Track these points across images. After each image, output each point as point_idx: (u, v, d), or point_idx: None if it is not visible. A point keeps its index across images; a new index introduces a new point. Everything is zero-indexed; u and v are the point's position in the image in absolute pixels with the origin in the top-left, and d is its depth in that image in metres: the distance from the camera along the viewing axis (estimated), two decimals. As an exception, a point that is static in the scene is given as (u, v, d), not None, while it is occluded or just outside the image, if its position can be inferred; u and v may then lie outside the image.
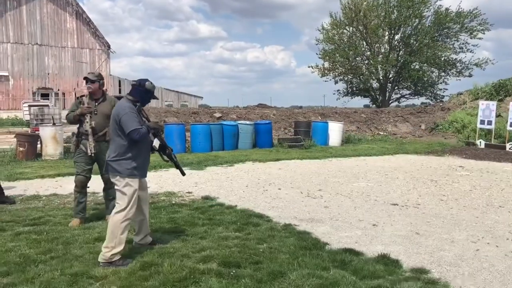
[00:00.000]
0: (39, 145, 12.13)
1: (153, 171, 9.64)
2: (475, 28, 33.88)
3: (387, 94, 37.97)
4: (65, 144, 12.53)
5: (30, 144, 11.83)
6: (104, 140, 5.30)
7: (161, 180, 8.73)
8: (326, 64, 37.70)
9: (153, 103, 32.66)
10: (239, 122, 15.61)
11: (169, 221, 5.52)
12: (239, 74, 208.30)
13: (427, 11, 34.58)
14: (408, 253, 4.48)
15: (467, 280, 3.81)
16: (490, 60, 35.34)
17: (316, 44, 39.57)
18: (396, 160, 12.44)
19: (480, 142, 15.69)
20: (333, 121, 17.32)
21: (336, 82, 38.97)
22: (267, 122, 16.06)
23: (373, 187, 8.18)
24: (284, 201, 6.92)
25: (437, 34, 34.65)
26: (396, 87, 38.42)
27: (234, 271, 3.84)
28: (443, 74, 36.61)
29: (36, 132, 12.87)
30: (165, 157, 4.53)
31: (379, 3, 34.95)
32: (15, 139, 12.12)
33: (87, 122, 5.33)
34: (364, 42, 36.96)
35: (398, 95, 39.32)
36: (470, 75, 35.73)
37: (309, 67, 40.12)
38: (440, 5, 35.29)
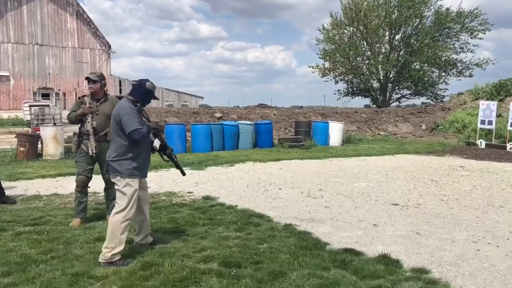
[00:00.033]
0: (39, 145, 12.14)
1: (154, 171, 9.64)
2: (475, 28, 33.88)
3: (388, 94, 37.97)
4: (65, 144, 12.54)
5: (31, 144, 11.84)
6: (105, 140, 5.31)
7: (162, 180, 8.74)
8: (327, 64, 37.75)
9: (153, 103, 32.67)
10: (239, 122, 15.62)
11: (170, 221, 5.52)
12: (239, 74, 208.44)
13: (427, 11, 34.64)
14: (408, 253, 4.48)
15: (468, 280, 3.81)
16: (490, 60, 35.29)
17: (317, 44, 39.65)
18: (397, 160, 12.44)
19: (481, 142, 15.68)
20: (334, 121, 17.32)
21: (336, 82, 39.04)
22: (268, 122, 16.06)
23: (373, 187, 8.18)
24: (284, 201, 6.92)
25: (437, 34, 34.64)
26: (396, 87, 38.42)
27: (234, 271, 3.84)
28: (443, 74, 36.63)
29: (37, 132, 12.89)
30: (166, 157, 4.53)
31: (380, 3, 34.95)
32: (16, 139, 12.13)
33: (89, 122, 5.34)
34: (365, 42, 36.97)
35: (399, 95, 39.39)
36: (470, 75, 35.77)
37: (309, 67, 40.18)
38: (441, 5, 35.35)
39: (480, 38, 34.36)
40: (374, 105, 37.80)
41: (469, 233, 5.26)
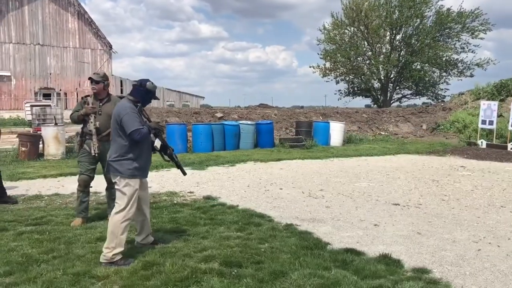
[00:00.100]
0: (41, 145, 12.16)
1: (155, 171, 9.66)
2: (476, 28, 33.85)
3: (389, 94, 37.96)
4: (67, 144, 12.57)
5: (32, 144, 11.86)
6: (107, 140, 5.32)
7: (163, 180, 8.75)
8: (328, 64, 37.77)
9: (154, 103, 32.68)
10: (240, 122, 15.63)
11: (171, 221, 5.53)
12: (240, 74, 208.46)
13: (428, 11, 34.63)
14: (409, 253, 4.48)
15: (469, 280, 3.81)
16: (491, 60, 35.25)
17: (318, 44, 39.64)
18: (398, 160, 12.44)
19: (482, 142, 15.68)
20: (335, 121, 17.32)
21: (337, 82, 39.06)
22: (269, 122, 16.07)
23: (374, 187, 8.18)
24: (285, 201, 6.92)
25: (438, 34, 34.61)
26: (397, 87, 38.41)
27: (235, 270, 3.85)
28: (444, 74, 36.62)
29: (38, 132, 12.90)
30: (166, 157, 4.54)
31: (381, 3, 34.94)
32: (17, 139, 12.15)
33: (91, 122, 5.36)
34: (366, 42, 36.96)
35: (400, 95, 39.39)
36: (471, 75, 35.76)
37: (310, 67, 40.20)
38: (442, 5, 35.28)
39: (481, 38, 34.40)
40: (375, 105, 37.79)
41: (470, 233, 5.26)
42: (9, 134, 15.73)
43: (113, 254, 4.01)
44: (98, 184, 6.27)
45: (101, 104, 5.43)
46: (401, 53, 36.21)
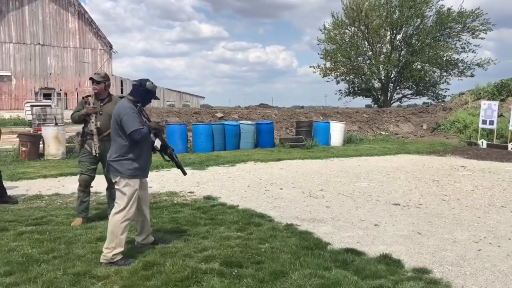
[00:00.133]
0: (41, 145, 12.16)
1: (155, 171, 9.66)
2: (477, 28, 33.84)
3: (389, 94, 37.95)
4: (67, 144, 12.57)
5: (33, 144, 11.86)
6: (108, 140, 5.33)
7: (163, 180, 8.75)
8: (328, 64, 37.76)
9: (155, 103, 32.65)
10: (240, 122, 15.63)
11: (171, 221, 5.53)
12: (241, 74, 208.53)
13: (429, 11, 34.62)
14: (410, 253, 4.48)
15: (469, 280, 3.81)
16: (492, 60, 35.22)
17: (318, 44, 39.68)
18: (398, 160, 12.43)
19: (482, 142, 15.67)
20: (335, 121, 17.31)
21: (337, 82, 39.06)
22: (269, 122, 16.07)
23: (375, 187, 8.17)
24: (286, 201, 6.92)
25: (439, 34, 34.60)
26: (397, 87, 38.40)
27: (236, 270, 3.84)
28: (445, 74, 36.61)
29: (39, 132, 12.90)
30: (167, 157, 4.54)
31: (381, 3, 34.92)
32: (17, 139, 12.15)
33: (93, 122, 5.37)
34: (366, 42, 36.95)
35: (400, 95, 39.38)
36: (472, 75, 35.75)
37: (310, 67, 40.18)
38: (442, 5, 35.26)
39: (482, 38, 34.38)
40: (375, 105, 37.78)
41: (471, 233, 5.25)
42: (10, 134, 15.74)
43: (113, 254, 4.01)
44: (99, 184, 6.27)
45: (102, 104, 5.43)
46: (402, 53, 36.21)
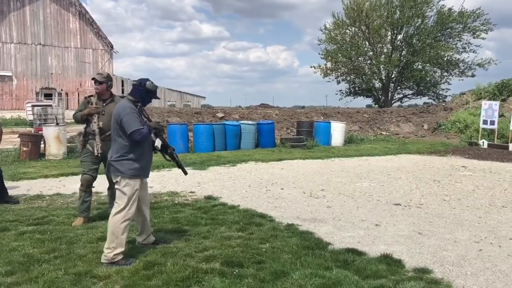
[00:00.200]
0: (42, 145, 12.17)
1: (156, 171, 9.67)
2: (478, 28, 33.78)
3: (390, 94, 37.92)
4: (68, 144, 12.58)
5: (34, 144, 11.87)
6: (110, 140, 5.34)
7: (164, 180, 8.75)
8: (329, 64, 37.72)
9: (155, 103, 32.67)
10: (241, 122, 15.63)
11: (172, 221, 5.54)
12: (241, 74, 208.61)
13: (429, 11, 34.56)
14: (410, 253, 4.48)
15: (470, 280, 3.81)
16: (493, 61, 35.13)
17: (319, 44, 39.61)
18: (399, 160, 12.43)
19: (483, 142, 15.66)
20: (336, 121, 17.32)
21: (338, 82, 39.02)
22: (270, 122, 16.08)
23: (375, 187, 8.17)
24: (286, 201, 6.93)
25: (439, 34, 34.54)
26: (398, 87, 38.36)
27: (237, 270, 3.85)
28: (445, 74, 36.56)
29: (40, 132, 12.91)
30: (167, 157, 4.54)
31: (382, 3, 34.89)
32: (18, 139, 12.17)
33: (95, 122, 5.38)
34: (367, 42, 36.92)
35: (401, 95, 39.32)
36: (473, 75, 35.70)
37: (311, 67, 40.17)
38: (443, 5, 35.17)
39: (483, 38, 34.32)
40: (376, 105, 37.76)
41: (471, 233, 5.25)
42: (11, 134, 15.78)
43: (114, 254, 4.01)
44: (99, 184, 6.27)
45: (104, 104, 5.44)
46: (402, 53, 36.17)
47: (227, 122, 15.55)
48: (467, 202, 6.94)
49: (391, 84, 37.72)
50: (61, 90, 36.41)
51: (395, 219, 5.89)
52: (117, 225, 4.08)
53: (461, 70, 35.76)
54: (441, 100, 34.99)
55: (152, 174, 8.50)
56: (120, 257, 4.05)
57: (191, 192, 7.61)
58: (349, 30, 36.82)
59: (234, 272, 3.80)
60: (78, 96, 35.95)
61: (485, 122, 16.08)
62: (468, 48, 34.67)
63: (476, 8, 33.67)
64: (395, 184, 8.54)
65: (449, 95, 35.37)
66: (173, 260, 4.03)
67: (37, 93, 35.29)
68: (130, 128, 4.05)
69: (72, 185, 8.04)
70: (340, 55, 36.59)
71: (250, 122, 15.77)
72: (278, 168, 10.58)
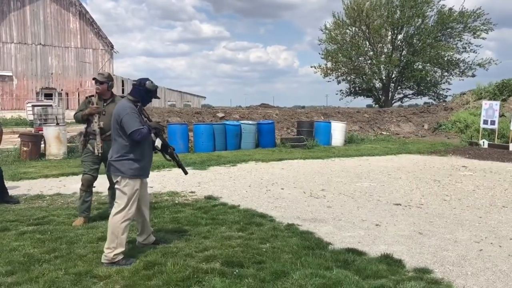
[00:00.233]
0: (42, 145, 12.17)
1: (156, 171, 9.67)
2: (478, 28, 33.76)
3: (390, 94, 37.91)
4: (68, 144, 12.58)
5: (34, 144, 11.87)
6: (111, 140, 5.34)
7: (164, 180, 8.75)
8: (329, 64, 37.72)
9: (156, 103, 32.68)
10: (242, 122, 15.63)
11: (172, 221, 5.54)
12: (242, 74, 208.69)
13: (430, 11, 34.55)
14: (411, 253, 4.48)
15: (470, 280, 3.81)
16: (493, 61, 35.09)
17: (319, 44, 39.63)
18: (399, 160, 12.42)
19: (483, 142, 15.65)
20: (336, 121, 17.31)
21: (338, 82, 39.02)
22: (270, 122, 16.07)
23: (376, 187, 8.17)
24: (287, 201, 6.92)
25: (440, 34, 34.53)
26: (399, 87, 38.36)
27: (237, 270, 3.85)
28: (446, 74, 36.55)
29: (40, 132, 12.92)
30: (168, 157, 4.54)
31: (382, 3, 34.88)
32: (19, 139, 12.17)
33: (96, 122, 5.38)
34: (367, 42, 36.92)
35: (401, 95, 39.32)
36: (473, 75, 35.69)
37: (311, 67, 40.23)
38: (443, 5, 35.28)
39: (483, 38, 34.31)
40: (377, 105, 37.76)
41: (472, 233, 5.25)
42: (11, 134, 15.78)
43: (115, 254, 4.01)
44: (100, 184, 6.27)
45: (105, 104, 5.45)
46: (403, 53, 36.16)
47: (227, 122, 15.55)
48: (467, 202, 6.94)
49: (391, 84, 37.71)
50: (61, 90, 36.41)
51: (395, 219, 5.89)
52: (117, 225, 4.08)
53: (461, 70, 35.76)
54: (441, 100, 34.98)
55: (153, 174, 8.50)
56: (121, 257, 4.05)
57: (192, 192, 7.61)
58: (350, 30, 36.84)
59: (235, 272, 3.80)
60: (78, 96, 35.95)
61: (485, 122, 16.08)
62: (469, 48, 34.71)
63: (476, 8, 33.70)
64: (396, 184, 8.54)
65: (450, 95, 35.40)
66: (174, 260, 4.03)
67: (37, 93, 35.29)
68: (130, 128, 4.05)
69: (72, 185, 8.04)
70: (340, 55, 36.59)
71: (250, 122, 15.77)
72: (278, 168, 10.58)
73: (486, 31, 33.71)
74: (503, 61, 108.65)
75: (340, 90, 40.56)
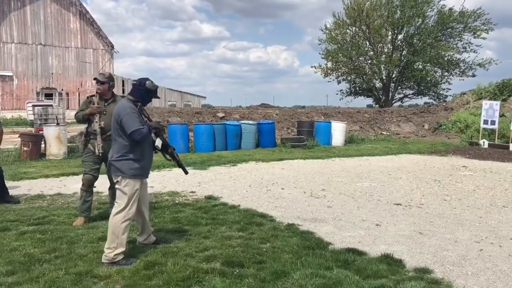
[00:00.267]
0: (43, 145, 12.18)
1: (157, 171, 9.67)
2: (478, 28, 33.76)
3: (390, 94, 37.91)
4: (69, 144, 12.59)
5: (34, 144, 11.88)
6: (112, 140, 5.35)
7: (165, 180, 8.75)
8: (329, 64, 37.72)
9: (156, 102, 32.70)
10: (242, 122, 15.63)
11: (173, 221, 5.54)
12: (242, 74, 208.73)
13: (430, 11, 34.56)
14: (411, 253, 4.48)
15: (470, 280, 3.81)
16: (493, 61, 35.06)
17: (319, 44, 39.63)
18: (399, 160, 12.42)
19: (484, 142, 15.65)
20: (336, 121, 17.31)
21: (339, 82, 39.02)
22: (270, 122, 16.07)
23: (376, 187, 8.17)
24: (287, 201, 6.93)
25: (440, 34, 34.53)
26: (399, 87, 38.36)
27: (237, 270, 3.85)
28: (446, 74, 36.54)
29: (40, 132, 12.93)
30: (168, 157, 4.54)
31: (382, 2, 34.87)
32: (19, 139, 12.17)
33: (96, 122, 5.38)
34: (367, 42, 36.92)
35: (401, 95, 39.33)
36: (473, 75, 35.69)
37: (312, 67, 40.21)
38: (444, 5, 35.32)
39: (483, 38, 34.31)
40: (377, 105, 37.76)
41: (472, 233, 5.25)
42: (11, 134, 15.78)
43: (115, 254, 4.01)
44: (100, 184, 6.28)
45: (106, 104, 5.45)
46: (403, 53, 36.16)
47: (227, 122, 15.55)
48: (467, 202, 6.94)
49: (391, 84, 37.71)
50: (62, 90, 36.42)
51: (395, 219, 5.89)
52: (118, 225, 4.08)
53: (461, 70, 35.76)
54: (441, 100, 34.97)
55: (153, 174, 8.51)
56: (121, 257, 4.05)
57: (192, 192, 7.61)
58: (350, 30, 36.84)
59: (235, 272, 3.80)
60: (79, 96, 35.97)
61: (485, 122, 16.07)
62: (469, 48, 34.71)
63: (476, 8, 33.70)
64: (396, 184, 8.54)
65: (450, 95, 35.38)
66: (174, 260, 4.03)
67: (37, 93, 35.31)
68: (130, 128, 4.05)
69: (72, 185, 8.05)
70: (340, 55, 36.59)
71: (250, 122, 15.77)
72: (278, 168, 10.58)
73: (486, 31, 33.74)
74: (503, 61, 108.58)
75: (340, 90, 40.66)
